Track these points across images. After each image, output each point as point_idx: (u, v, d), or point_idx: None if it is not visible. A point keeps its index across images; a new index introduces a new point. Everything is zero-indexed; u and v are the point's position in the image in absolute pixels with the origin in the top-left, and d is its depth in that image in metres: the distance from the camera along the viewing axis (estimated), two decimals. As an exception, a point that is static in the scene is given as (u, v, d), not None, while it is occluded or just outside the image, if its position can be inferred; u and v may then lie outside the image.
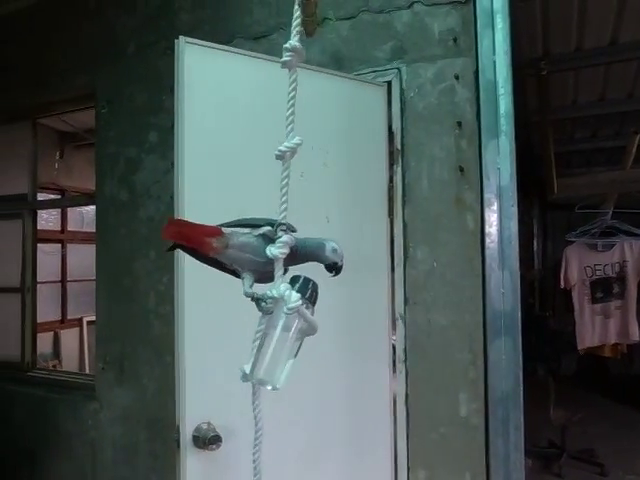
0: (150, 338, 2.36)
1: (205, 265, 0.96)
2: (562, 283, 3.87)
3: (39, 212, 3.17)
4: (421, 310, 1.83)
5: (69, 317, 5.48)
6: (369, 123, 1.81)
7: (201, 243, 0.91)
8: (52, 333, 5.26)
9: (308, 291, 0.82)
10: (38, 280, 3.04)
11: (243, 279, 0.89)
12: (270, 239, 0.86)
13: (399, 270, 1.86)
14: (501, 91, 1.69)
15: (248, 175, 1.56)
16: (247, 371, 0.80)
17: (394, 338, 1.86)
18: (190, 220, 1.01)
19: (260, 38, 2.15)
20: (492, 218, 1.69)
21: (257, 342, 0.81)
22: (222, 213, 1.52)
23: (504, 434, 1.66)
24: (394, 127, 1.85)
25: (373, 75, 1.90)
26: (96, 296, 2.56)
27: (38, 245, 3.07)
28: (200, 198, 1.47)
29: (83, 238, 5.59)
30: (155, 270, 2.33)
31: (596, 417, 4.98)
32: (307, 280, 0.83)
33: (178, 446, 1.44)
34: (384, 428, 1.84)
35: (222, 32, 2.21)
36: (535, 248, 6.48)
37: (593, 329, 3.82)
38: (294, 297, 0.77)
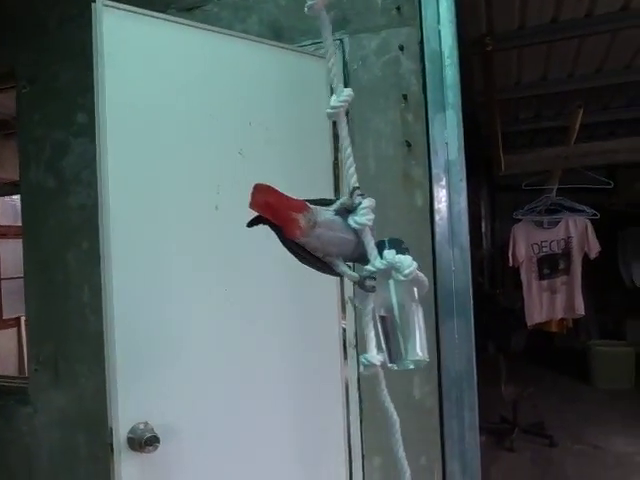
0: (86, 335, 2.19)
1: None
2: (510, 261, 3.92)
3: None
4: (371, 292, 1.76)
5: (4, 317, 5.16)
6: (312, 98, 1.71)
7: (287, 220, 0.72)
8: (-14, 334, 4.94)
9: (404, 249, 0.73)
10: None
11: (337, 265, 0.77)
12: (347, 212, 0.75)
13: (347, 251, 1.78)
14: (447, 62, 1.63)
15: (183, 152, 1.43)
16: (377, 360, 0.72)
17: (344, 322, 1.79)
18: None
19: (194, 9, 2.01)
20: (441, 194, 1.63)
21: (371, 324, 0.73)
22: (154, 199, 1.39)
23: (458, 415, 1.62)
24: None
25: (314, 47, 1.80)
26: (25, 292, 2.36)
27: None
28: (128, 183, 1.34)
29: (17, 232, 5.26)
30: (88, 261, 2.16)
31: (545, 391, 5.13)
32: (394, 240, 0.74)
33: (112, 450, 1.32)
34: (337, 415, 1.77)
35: (153, 3, 2.05)
36: (483, 229, 6.58)
37: (541, 305, 3.89)
38: (407, 261, 0.70)
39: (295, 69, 1.71)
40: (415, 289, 0.73)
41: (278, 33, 1.86)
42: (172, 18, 1.50)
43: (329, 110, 0.72)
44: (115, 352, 1.31)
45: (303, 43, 1.82)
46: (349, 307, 1.78)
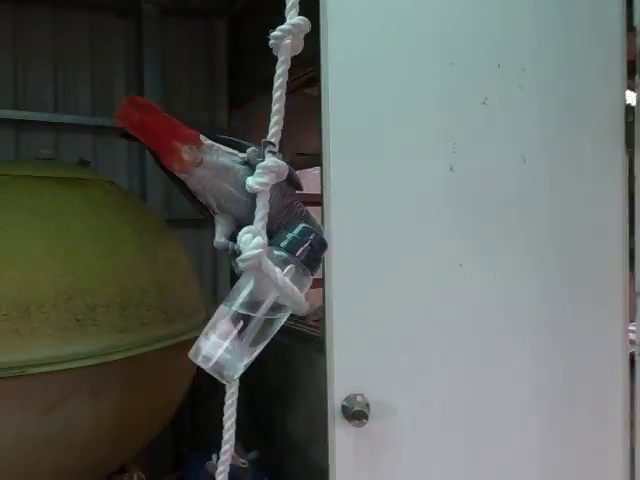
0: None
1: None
2: None
3: None
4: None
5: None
6: (594, 19, 1.29)
7: (167, 148, 0.65)
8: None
9: (303, 246, 0.58)
10: None
11: (216, 222, 0.67)
12: (251, 167, 0.63)
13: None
14: None
15: (410, 104, 1.27)
16: (204, 349, 0.58)
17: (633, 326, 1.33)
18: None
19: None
20: None
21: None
22: (375, 158, 1.29)
23: None
24: (637, 21, 1.28)
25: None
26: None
27: None
28: (347, 145, 1.26)
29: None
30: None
31: None
32: (306, 230, 0.59)
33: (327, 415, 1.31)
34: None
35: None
36: None
37: None
38: (254, 243, 0.54)
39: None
40: (269, 292, 0.56)
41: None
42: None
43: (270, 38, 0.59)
44: (333, 323, 1.29)
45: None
46: None
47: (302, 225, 0.60)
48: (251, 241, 0.55)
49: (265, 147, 0.61)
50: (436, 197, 1.30)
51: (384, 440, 1.31)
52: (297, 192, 0.74)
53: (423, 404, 1.32)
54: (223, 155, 0.66)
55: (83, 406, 1.76)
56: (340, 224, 1.25)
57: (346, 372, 1.30)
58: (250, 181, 0.60)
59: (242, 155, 0.66)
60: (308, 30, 0.60)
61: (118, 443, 1.91)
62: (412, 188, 1.29)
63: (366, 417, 1.26)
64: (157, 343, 1.90)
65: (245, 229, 0.57)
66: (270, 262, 0.55)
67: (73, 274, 1.78)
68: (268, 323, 0.57)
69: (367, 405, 1.29)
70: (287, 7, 0.59)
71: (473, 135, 1.28)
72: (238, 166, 0.65)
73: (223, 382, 0.57)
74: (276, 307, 0.56)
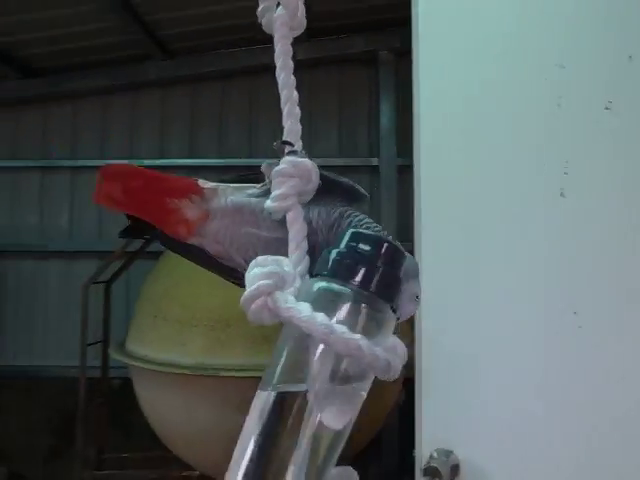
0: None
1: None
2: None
3: None
4: None
5: None
6: None
7: (164, 212, 0.50)
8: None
9: (359, 264, 0.33)
10: None
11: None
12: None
13: None
14: None
15: (507, 111, 1.09)
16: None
17: None
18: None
19: None
20: None
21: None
22: (469, 168, 1.14)
23: None
24: None
25: None
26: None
27: None
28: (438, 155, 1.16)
29: None
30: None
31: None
32: (359, 237, 0.35)
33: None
34: None
35: None
36: None
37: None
38: (252, 274, 0.35)
39: None
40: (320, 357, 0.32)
41: None
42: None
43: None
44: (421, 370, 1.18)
45: None
46: None
47: (352, 231, 0.36)
48: (250, 275, 0.35)
49: (283, 146, 0.44)
50: (542, 225, 1.07)
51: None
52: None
53: (522, 470, 1.09)
54: (232, 193, 0.51)
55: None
56: (433, 258, 1.16)
57: (435, 424, 1.18)
58: (268, 203, 0.43)
59: (260, 185, 0.49)
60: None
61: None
62: (511, 212, 1.10)
63: (441, 477, 1.11)
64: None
65: (252, 263, 0.36)
66: (288, 298, 0.33)
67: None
68: (338, 398, 0.33)
69: (457, 466, 1.14)
70: None
71: (593, 149, 1.02)
72: (255, 199, 0.49)
73: None
74: (346, 374, 0.33)
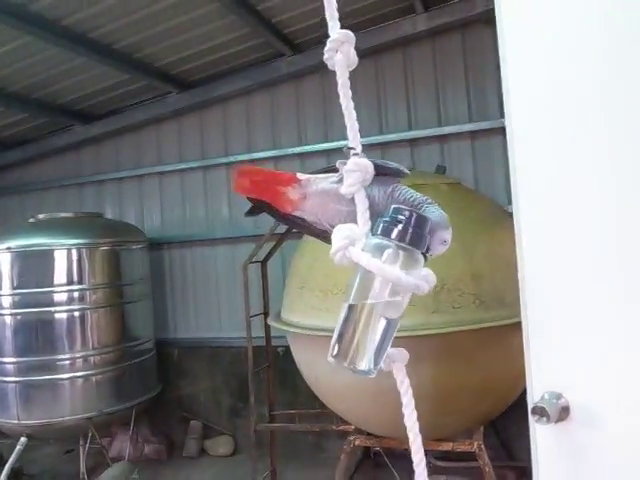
0: None
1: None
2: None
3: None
4: None
5: None
6: None
7: (276, 195, 0.75)
8: None
9: (396, 227, 0.58)
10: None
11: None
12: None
13: None
14: None
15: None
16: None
17: None
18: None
19: None
20: None
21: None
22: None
23: None
24: None
25: None
26: None
27: None
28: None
29: None
30: None
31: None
32: (397, 211, 0.59)
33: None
34: None
35: None
36: None
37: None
38: (339, 235, 0.58)
39: None
40: (377, 281, 0.57)
41: None
42: None
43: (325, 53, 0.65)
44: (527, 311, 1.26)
45: None
46: None
47: (393, 207, 0.59)
48: (334, 237, 0.58)
49: (348, 153, 0.65)
50: None
51: (586, 447, 1.19)
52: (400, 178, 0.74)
53: (633, 414, 1.13)
54: (321, 182, 0.73)
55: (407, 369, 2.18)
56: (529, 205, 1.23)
57: (544, 367, 1.25)
58: (342, 189, 0.64)
59: (337, 174, 0.70)
60: (352, 41, 0.64)
61: (438, 409, 2.23)
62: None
63: (548, 417, 1.18)
64: (466, 325, 2.11)
65: (335, 228, 0.60)
66: (357, 250, 0.57)
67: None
68: (390, 306, 0.58)
69: (566, 408, 1.20)
70: (328, 20, 0.64)
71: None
72: (336, 185, 0.69)
73: (364, 376, 0.59)
74: (394, 292, 0.57)
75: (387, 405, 2.03)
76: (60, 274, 3.21)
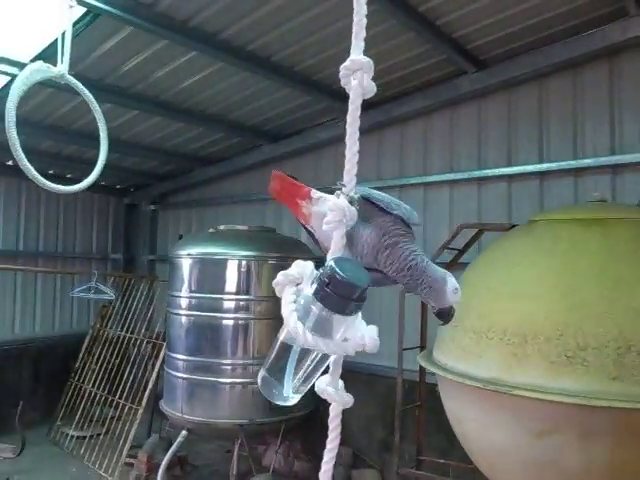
0: None
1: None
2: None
3: None
4: None
5: None
6: None
7: (295, 206, 0.77)
8: None
9: (317, 281, 0.55)
10: None
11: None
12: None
13: None
14: None
15: None
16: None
17: None
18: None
19: None
20: None
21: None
22: None
23: None
24: None
25: None
26: None
27: None
28: None
29: None
30: None
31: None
32: (327, 268, 0.55)
33: None
34: None
35: None
36: None
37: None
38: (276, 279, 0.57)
39: None
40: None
41: None
42: None
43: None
44: None
45: None
46: None
47: (330, 264, 0.55)
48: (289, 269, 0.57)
49: (339, 188, 0.63)
50: None
51: None
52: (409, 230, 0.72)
53: None
54: (322, 205, 0.72)
55: (571, 445, 1.77)
56: None
57: None
58: (323, 224, 0.62)
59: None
60: (367, 68, 0.59)
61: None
62: None
63: None
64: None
65: (295, 262, 0.58)
66: (288, 294, 0.56)
67: (568, 311, 1.82)
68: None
69: None
70: (353, 38, 0.62)
71: None
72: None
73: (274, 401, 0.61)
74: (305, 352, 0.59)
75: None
76: (231, 283, 3.40)
